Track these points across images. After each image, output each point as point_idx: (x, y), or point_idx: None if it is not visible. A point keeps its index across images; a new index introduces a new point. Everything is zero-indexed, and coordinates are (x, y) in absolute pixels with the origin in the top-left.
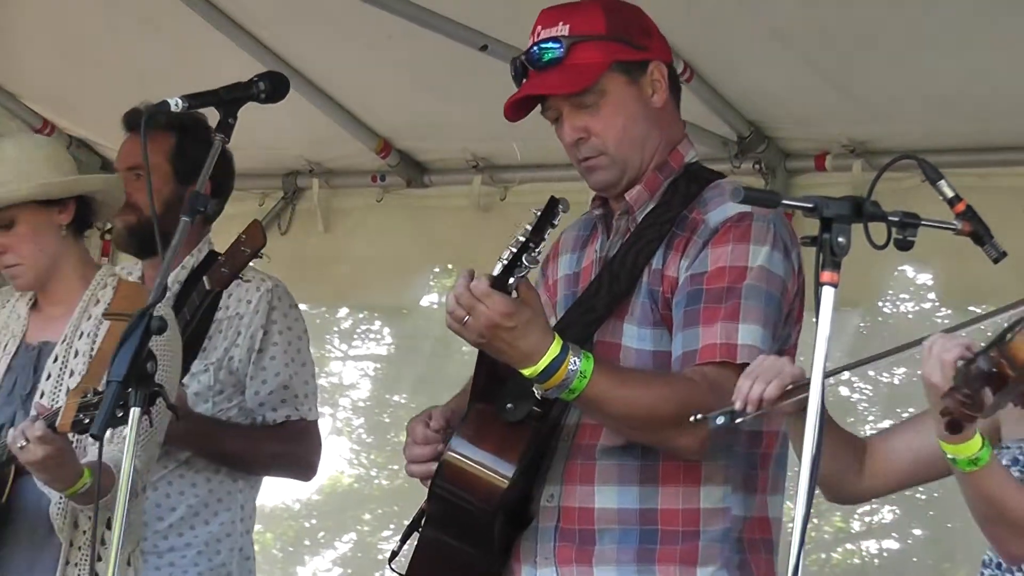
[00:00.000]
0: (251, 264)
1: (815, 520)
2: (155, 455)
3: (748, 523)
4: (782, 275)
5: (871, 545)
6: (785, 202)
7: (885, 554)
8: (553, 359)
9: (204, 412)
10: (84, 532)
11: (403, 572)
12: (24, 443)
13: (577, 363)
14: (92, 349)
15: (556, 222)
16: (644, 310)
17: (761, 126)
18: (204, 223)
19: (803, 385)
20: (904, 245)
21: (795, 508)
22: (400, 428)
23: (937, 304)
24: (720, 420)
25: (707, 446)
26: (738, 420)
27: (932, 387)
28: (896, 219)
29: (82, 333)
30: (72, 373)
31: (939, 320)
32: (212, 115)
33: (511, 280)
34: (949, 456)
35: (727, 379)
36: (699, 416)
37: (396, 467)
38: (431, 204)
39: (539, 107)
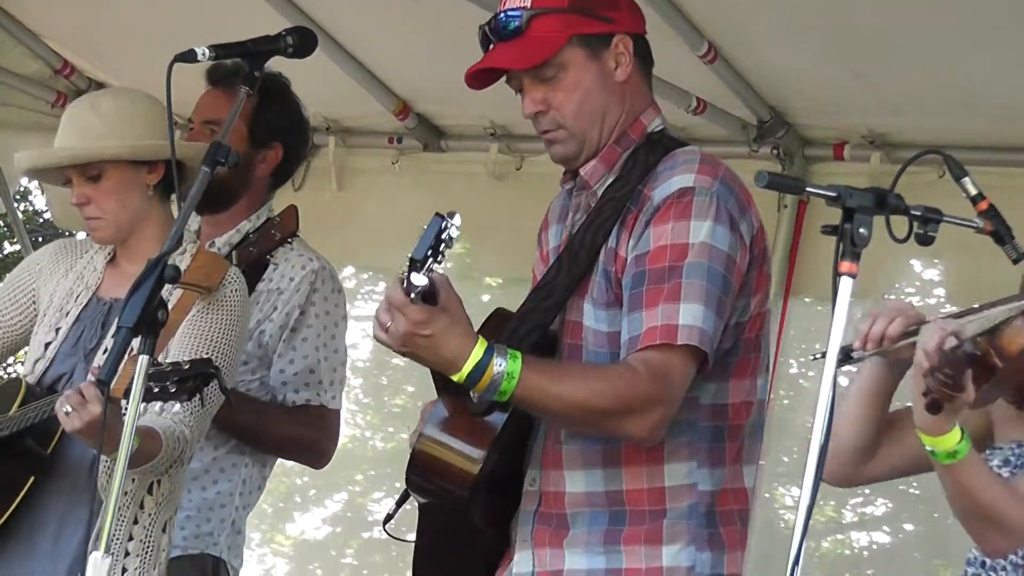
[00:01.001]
0: (300, 240)
1: None
2: (205, 428)
3: (719, 495)
4: (727, 249)
5: (862, 537)
6: (809, 189)
7: (875, 547)
8: (476, 364)
9: None
10: (126, 494)
11: (395, 535)
12: (69, 410)
13: (502, 365)
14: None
15: (446, 236)
16: (600, 290)
17: (782, 111)
18: (268, 189)
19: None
20: (925, 240)
21: (800, 496)
22: (398, 391)
23: (944, 300)
24: (839, 357)
25: (660, 432)
26: (856, 358)
27: (917, 369)
28: (919, 214)
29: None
30: None
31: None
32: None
33: (412, 295)
34: (928, 448)
35: (668, 362)
36: (816, 355)
37: (392, 429)
38: (446, 169)
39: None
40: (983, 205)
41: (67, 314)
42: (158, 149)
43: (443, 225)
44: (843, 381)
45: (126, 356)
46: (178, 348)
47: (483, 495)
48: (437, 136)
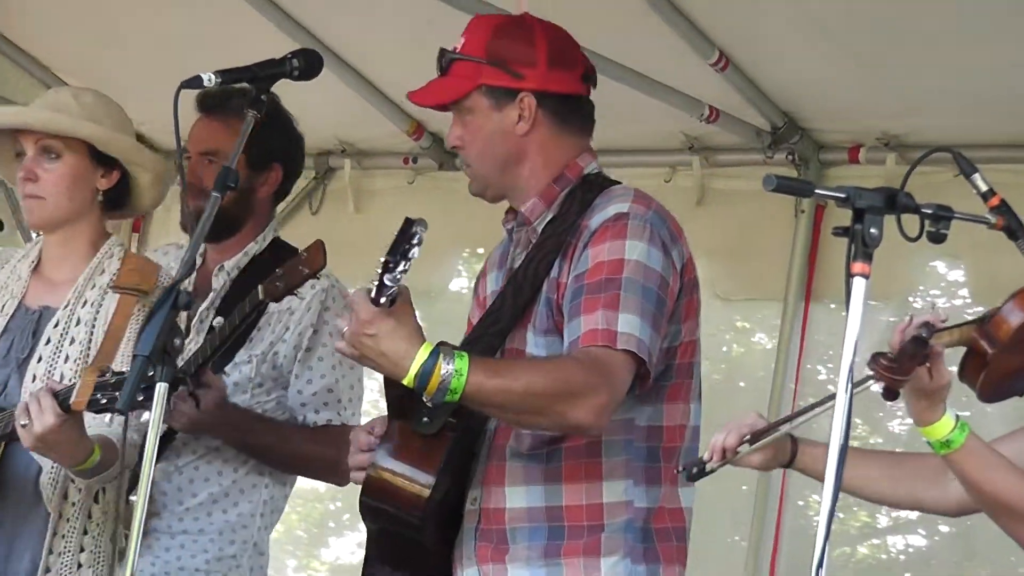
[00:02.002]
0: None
1: (840, 515)
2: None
3: (655, 513)
4: (659, 270)
5: (897, 541)
6: (818, 191)
7: (911, 550)
8: (423, 364)
9: (241, 403)
10: (74, 504)
11: None
12: (27, 422)
13: (451, 363)
14: (95, 319)
15: (416, 241)
16: (541, 318)
17: (795, 117)
18: (271, 209)
19: (766, 431)
20: (937, 238)
21: (821, 503)
22: None
23: (969, 301)
24: (695, 471)
25: (604, 418)
26: (709, 470)
27: None
28: (929, 211)
29: (86, 301)
30: (73, 341)
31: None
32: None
33: (382, 300)
34: (924, 439)
35: (609, 357)
36: (678, 470)
37: None
38: (462, 188)
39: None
40: (994, 201)
41: None
42: (120, 143)
43: (413, 229)
44: (876, 388)
45: (64, 356)
46: (124, 355)
47: (434, 519)
48: (452, 155)
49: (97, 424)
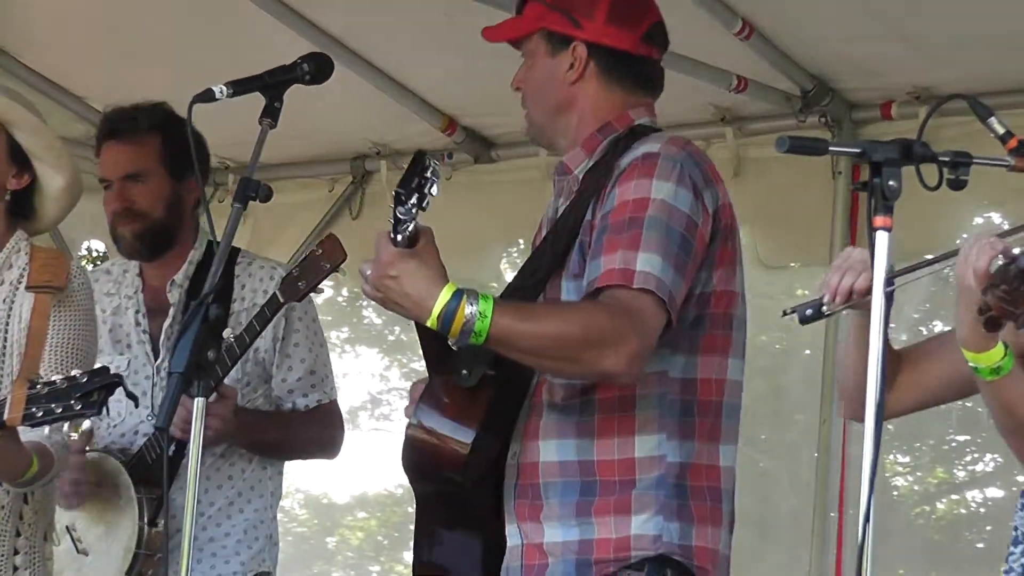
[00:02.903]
0: (246, 249)
1: (918, 473)
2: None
3: (689, 469)
4: (687, 211)
5: (976, 495)
6: (832, 148)
7: (990, 503)
8: (445, 305)
9: None
10: (2, 507)
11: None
12: None
13: (474, 305)
14: (7, 316)
15: (429, 175)
16: (574, 262)
17: (824, 79)
18: (195, 214)
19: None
20: (957, 185)
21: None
22: None
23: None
24: (808, 312)
25: (637, 366)
26: (828, 312)
27: (966, 290)
28: (947, 159)
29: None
30: None
31: None
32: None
33: (397, 237)
34: (971, 364)
35: (634, 301)
36: (788, 310)
37: None
38: (499, 178)
39: None
40: (1012, 143)
41: None
42: (52, 143)
43: (426, 163)
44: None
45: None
46: (50, 358)
47: (478, 476)
48: (486, 147)
49: (34, 433)
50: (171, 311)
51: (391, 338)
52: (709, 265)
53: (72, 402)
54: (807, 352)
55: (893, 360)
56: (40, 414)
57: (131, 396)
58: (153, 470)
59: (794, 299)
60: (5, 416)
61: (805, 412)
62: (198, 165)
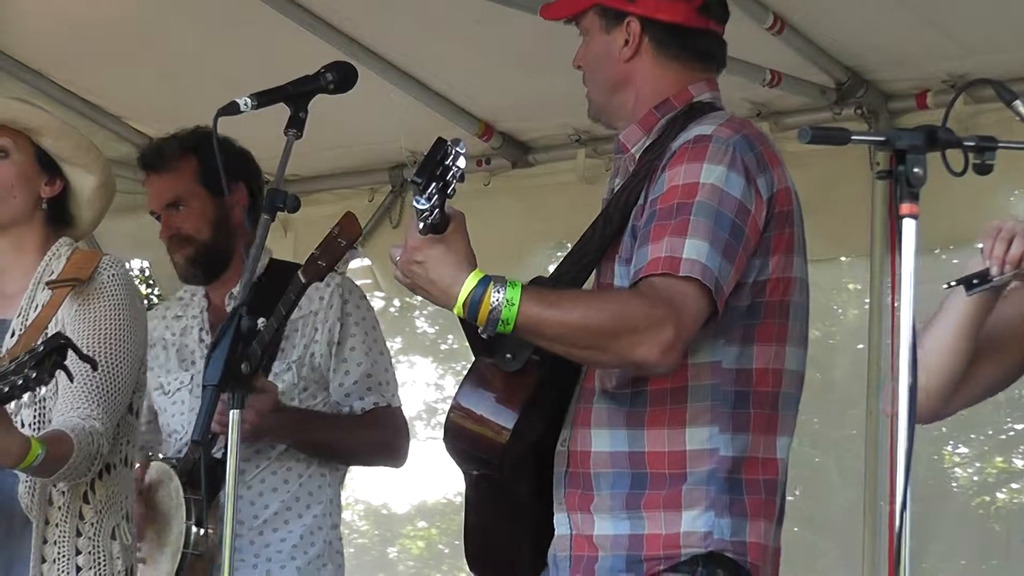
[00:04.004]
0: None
1: (976, 463)
2: (117, 416)
3: (744, 463)
4: (738, 196)
5: None
6: (854, 137)
7: None
8: (471, 292)
9: None
10: (60, 508)
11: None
12: None
13: (501, 292)
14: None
15: (450, 162)
16: (626, 247)
17: (858, 70)
18: (252, 225)
19: None
20: (983, 169)
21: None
22: None
23: None
24: (975, 282)
25: (673, 357)
26: (998, 282)
27: None
28: (972, 144)
29: (37, 305)
30: None
31: None
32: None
33: (420, 225)
34: None
35: (674, 289)
36: (952, 282)
37: None
38: (537, 183)
39: None
40: None
41: None
42: (77, 143)
43: (446, 149)
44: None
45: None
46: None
47: (519, 462)
48: (524, 151)
49: (59, 421)
50: None
51: (444, 347)
52: (764, 252)
53: (28, 371)
54: (854, 344)
55: (967, 352)
56: (6, 389)
57: (86, 359)
58: (194, 473)
59: (823, 290)
60: None
61: (854, 404)
62: (250, 180)
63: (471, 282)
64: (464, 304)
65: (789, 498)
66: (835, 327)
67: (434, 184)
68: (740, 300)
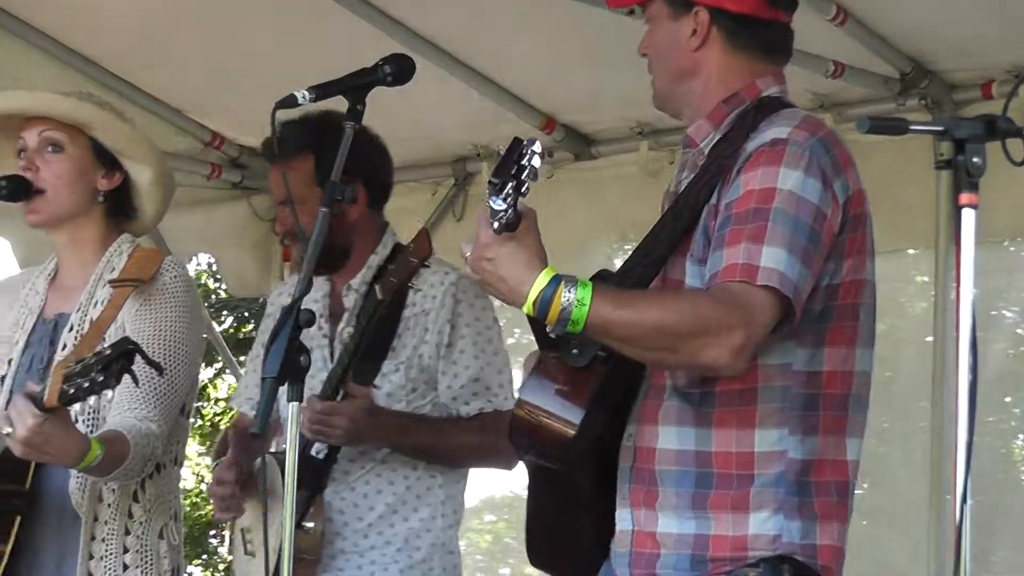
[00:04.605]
0: (437, 257)
1: None
2: (172, 418)
3: (814, 465)
4: (815, 201)
5: None
6: (913, 127)
7: None
8: (542, 291)
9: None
10: (109, 506)
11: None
12: (9, 429)
13: (572, 292)
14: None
15: (527, 162)
16: (699, 246)
17: (922, 61)
18: (373, 220)
19: None
20: None
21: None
22: None
23: None
24: None
25: (743, 360)
26: None
27: None
28: None
29: (97, 302)
30: None
31: None
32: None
33: (495, 224)
34: None
35: (748, 294)
36: None
37: None
38: (600, 175)
39: None
40: None
41: (16, 343)
42: (128, 137)
43: (522, 150)
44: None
45: (55, 361)
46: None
47: (584, 457)
48: (586, 144)
49: (115, 422)
50: (345, 316)
51: (511, 341)
52: (838, 256)
53: (95, 375)
54: (921, 337)
55: None
56: (72, 391)
57: (152, 364)
58: (303, 472)
59: (912, 285)
60: (44, 399)
61: (921, 397)
62: (370, 178)
63: (542, 281)
64: (534, 303)
65: (857, 492)
66: (902, 320)
67: (510, 184)
68: (813, 304)
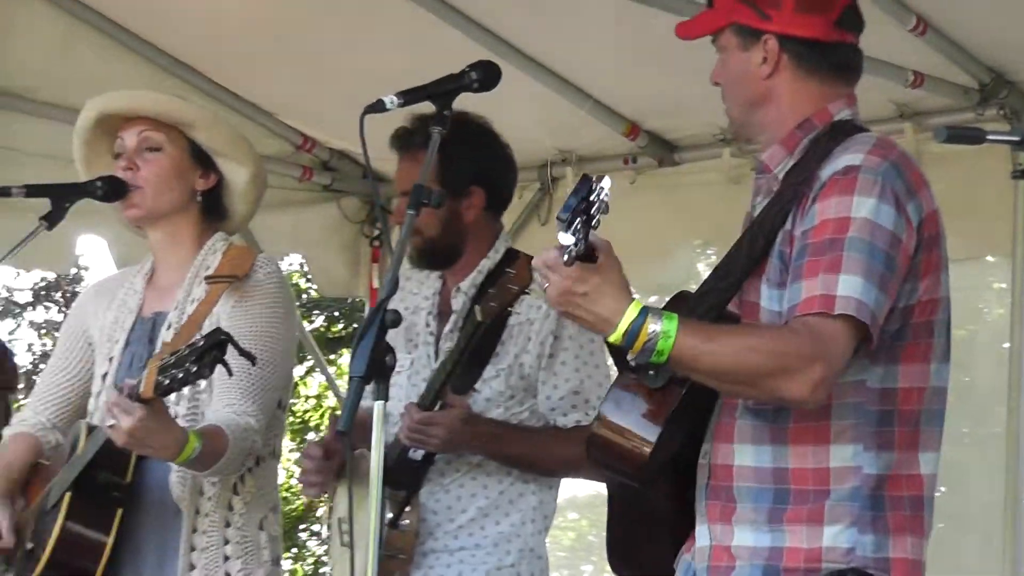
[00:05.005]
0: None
1: None
2: (270, 412)
3: (887, 480)
4: (891, 228)
5: None
6: (990, 137)
7: None
8: (631, 323)
9: (496, 417)
10: (210, 499)
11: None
12: (113, 422)
13: (658, 325)
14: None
15: (595, 198)
16: (775, 271)
17: (1002, 71)
18: (489, 224)
19: None
20: None
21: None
22: None
23: None
24: None
25: (821, 393)
26: None
27: None
28: None
29: (193, 299)
30: None
31: None
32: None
33: (564, 258)
34: None
35: (826, 326)
36: None
37: None
38: (683, 181)
39: None
40: None
41: (116, 342)
42: (227, 137)
43: (591, 187)
44: None
45: (154, 353)
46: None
47: (660, 475)
48: (669, 150)
49: (215, 415)
50: (452, 317)
51: None
52: (914, 277)
53: (188, 365)
54: (999, 343)
55: None
56: (167, 382)
57: (245, 354)
58: (394, 471)
59: (990, 292)
60: (140, 391)
61: (997, 402)
62: (490, 184)
63: (632, 313)
64: (624, 334)
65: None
66: (979, 326)
67: (579, 219)
68: (890, 324)
